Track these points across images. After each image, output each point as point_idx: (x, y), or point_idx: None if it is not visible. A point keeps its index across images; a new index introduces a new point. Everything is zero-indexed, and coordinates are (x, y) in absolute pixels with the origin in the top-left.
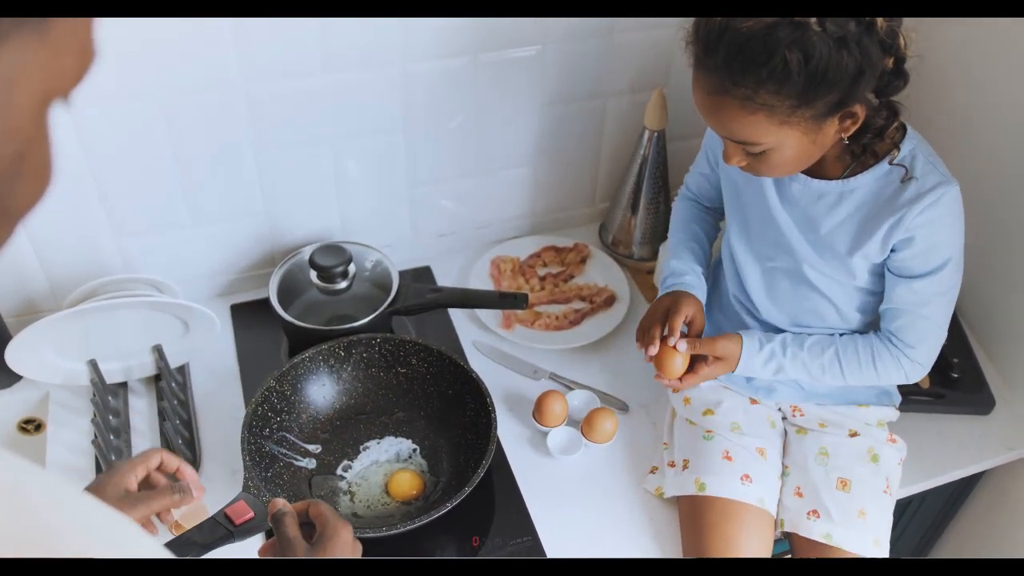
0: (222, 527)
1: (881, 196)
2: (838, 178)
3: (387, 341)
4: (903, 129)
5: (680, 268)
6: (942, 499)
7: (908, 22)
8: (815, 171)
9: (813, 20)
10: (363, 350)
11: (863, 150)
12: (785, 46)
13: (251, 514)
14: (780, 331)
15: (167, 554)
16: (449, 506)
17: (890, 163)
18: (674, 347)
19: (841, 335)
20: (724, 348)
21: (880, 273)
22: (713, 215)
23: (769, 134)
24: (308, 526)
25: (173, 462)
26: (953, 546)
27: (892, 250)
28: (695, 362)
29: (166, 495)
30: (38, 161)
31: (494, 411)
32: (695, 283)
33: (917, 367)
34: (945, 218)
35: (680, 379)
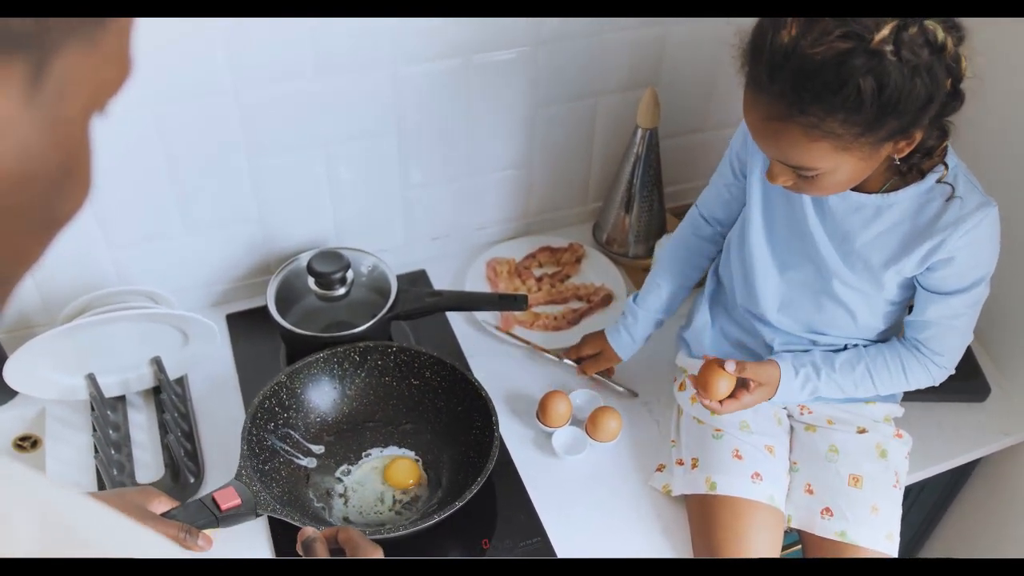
0: (207, 511)
1: (921, 214)
2: (877, 192)
3: (403, 351)
4: (946, 150)
5: (632, 307)
6: (940, 486)
7: (973, 44)
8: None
9: (888, 49)
10: (378, 357)
11: (910, 168)
12: (860, 75)
13: (238, 501)
14: (792, 337)
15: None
16: (437, 518)
17: (938, 181)
18: (722, 367)
19: (866, 347)
20: (767, 374)
21: (908, 286)
22: (707, 249)
23: (827, 160)
24: (339, 552)
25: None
26: (952, 533)
27: (928, 268)
28: (736, 387)
29: (175, 528)
30: (82, 172)
31: (497, 428)
32: (632, 325)
33: (944, 371)
34: (985, 239)
35: (721, 402)
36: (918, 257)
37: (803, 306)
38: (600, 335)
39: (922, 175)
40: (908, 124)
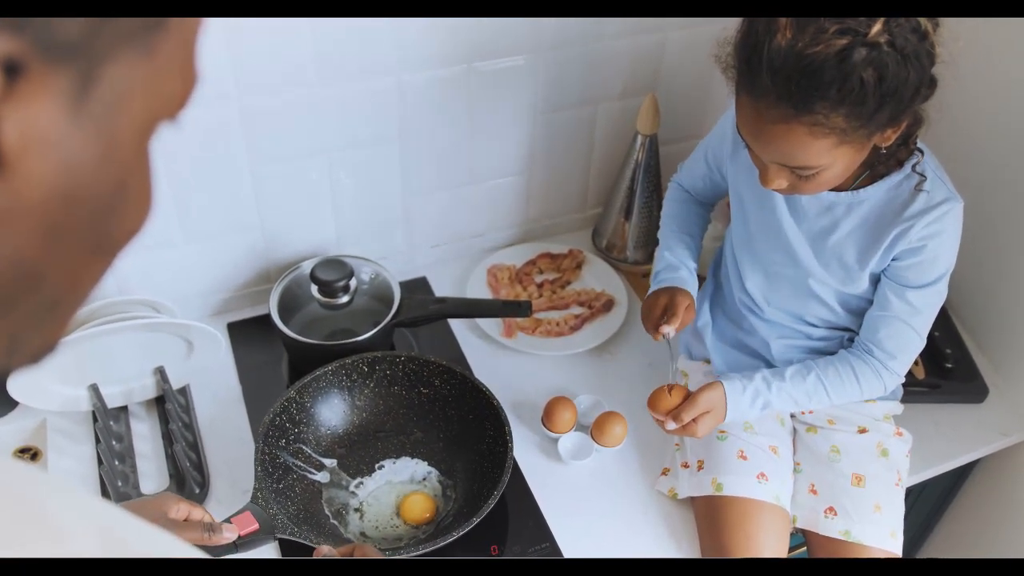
0: None
1: (889, 207)
2: (848, 189)
3: (411, 360)
4: (916, 135)
5: (673, 262)
6: (940, 487)
7: (951, 28)
8: None
9: (884, 40)
10: (387, 367)
11: (888, 157)
12: (861, 68)
13: (256, 525)
14: (787, 330)
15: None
16: (456, 535)
17: (913, 168)
18: (668, 393)
19: (815, 359)
20: (708, 401)
21: (879, 281)
22: (705, 208)
23: (828, 156)
24: None
25: (196, 514)
26: (951, 533)
27: (894, 259)
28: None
29: (197, 530)
30: (139, 191)
31: (511, 441)
32: (688, 279)
33: (894, 377)
34: (948, 232)
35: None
36: (885, 246)
37: (789, 299)
38: (672, 291)
39: (899, 164)
40: (901, 111)
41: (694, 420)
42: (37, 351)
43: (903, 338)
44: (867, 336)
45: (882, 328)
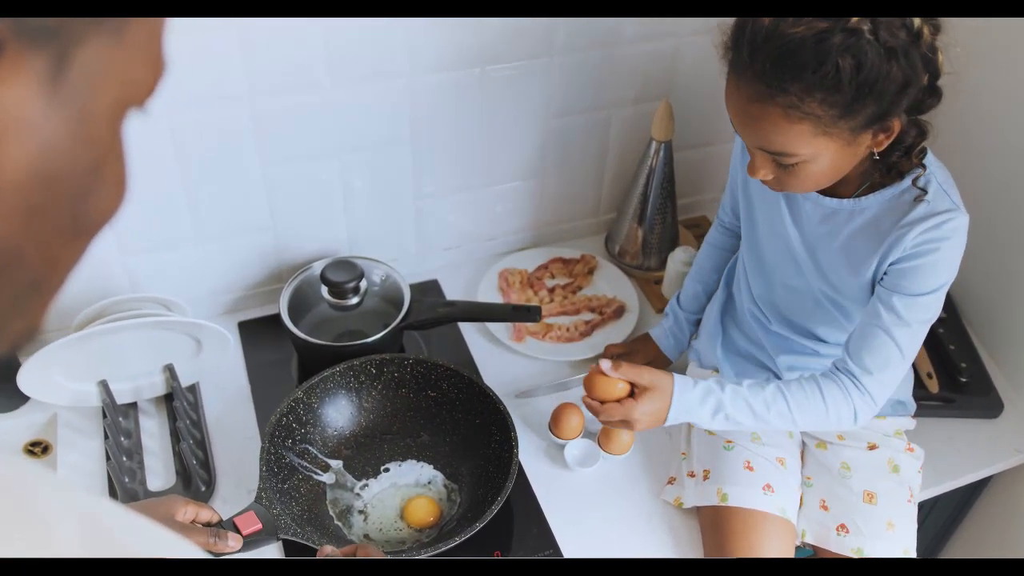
0: None
1: (889, 217)
2: (850, 197)
3: (419, 363)
4: (924, 152)
5: (666, 310)
6: (952, 503)
7: (951, 36)
8: (828, 189)
9: (866, 28)
10: (395, 370)
11: (889, 168)
12: (838, 53)
13: (259, 526)
14: (795, 344)
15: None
16: (459, 540)
17: (913, 182)
18: (599, 369)
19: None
20: (652, 378)
21: None
22: (735, 248)
23: (808, 145)
24: None
25: (204, 514)
26: (963, 548)
27: (890, 264)
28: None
29: (204, 534)
30: (114, 174)
31: (517, 446)
32: (664, 331)
33: (867, 401)
34: (946, 242)
35: (603, 403)
36: (881, 252)
37: (794, 310)
38: (647, 340)
39: (900, 176)
40: (886, 110)
41: (633, 396)
42: (19, 336)
43: (882, 352)
44: (846, 348)
45: (861, 338)
